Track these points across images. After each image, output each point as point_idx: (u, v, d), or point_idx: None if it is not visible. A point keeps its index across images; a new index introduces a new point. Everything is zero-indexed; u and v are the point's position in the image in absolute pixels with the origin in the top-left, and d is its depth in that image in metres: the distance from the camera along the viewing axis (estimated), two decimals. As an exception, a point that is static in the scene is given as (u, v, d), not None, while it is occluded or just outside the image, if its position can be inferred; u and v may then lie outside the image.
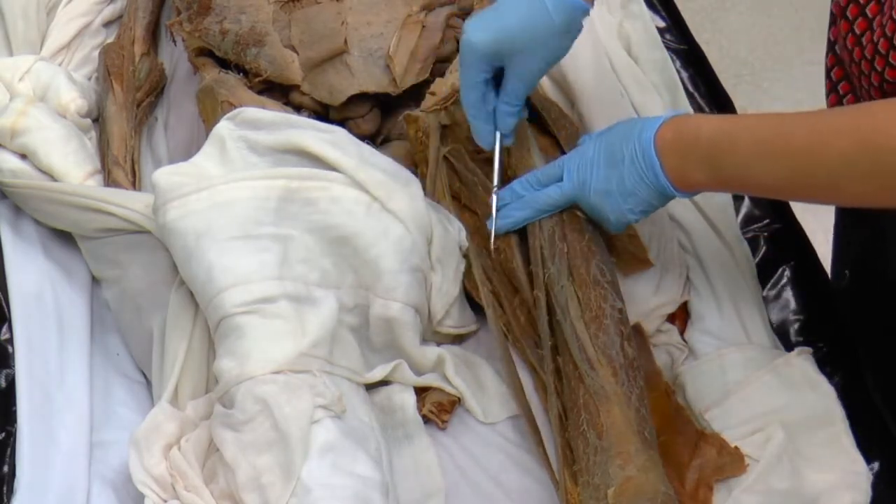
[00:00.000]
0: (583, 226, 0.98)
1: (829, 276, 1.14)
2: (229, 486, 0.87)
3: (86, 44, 1.28)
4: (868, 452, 0.93)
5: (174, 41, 1.24)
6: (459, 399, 1.00)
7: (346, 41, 1.12)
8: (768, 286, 1.07)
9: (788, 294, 1.07)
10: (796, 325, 1.05)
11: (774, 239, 1.10)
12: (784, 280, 1.07)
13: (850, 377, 1.00)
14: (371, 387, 0.98)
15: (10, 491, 0.91)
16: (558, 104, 1.19)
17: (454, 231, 1.02)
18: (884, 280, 1.07)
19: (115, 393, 1.01)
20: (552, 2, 0.90)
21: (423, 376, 1.00)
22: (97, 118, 1.21)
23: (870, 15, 0.90)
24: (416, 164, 1.09)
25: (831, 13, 0.97)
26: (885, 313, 1.06)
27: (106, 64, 1.22)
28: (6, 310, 1.03)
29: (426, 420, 0.98)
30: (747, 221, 1.11)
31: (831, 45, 0.98)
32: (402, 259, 0.96)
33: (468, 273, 1.03)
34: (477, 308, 1.04)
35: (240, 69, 1.16)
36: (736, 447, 0.93)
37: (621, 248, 1.05)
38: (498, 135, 0.99)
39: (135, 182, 1.15)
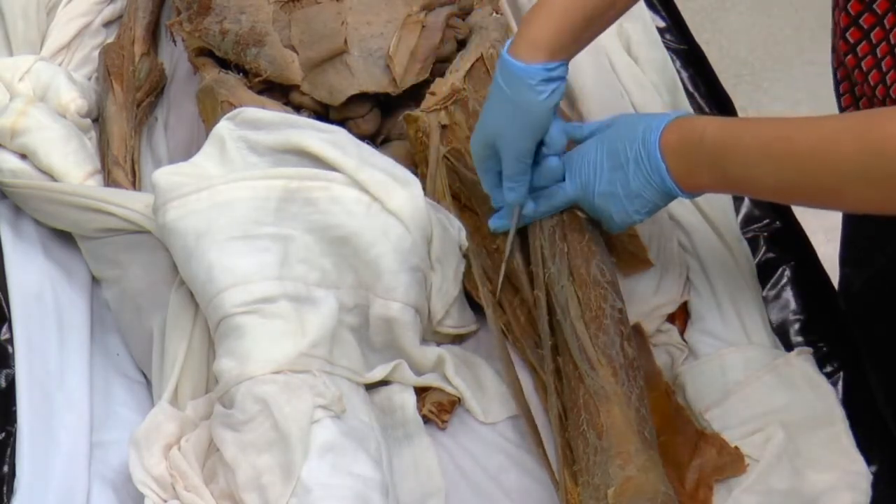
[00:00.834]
0: (583, 226, 0.98)
1: (838, 282, 1.14)
2: (229, 486, 0.87)
3: (86, 44, 1.28)
4: (868, 453, 0.93)
5: (174, 41, 1.24)
6: (459, 399, 1.00)
7: (346, 41, 1.12)
8: (768, 286, 1.07)
9: (788, 294, 1.07)
10: (796, 325, 1.04)
11: (774, 239, 1.10)
12: (784, 280, 1.07)
13: (850, 377, 1.00)
14: (371, 387, 0.98)
15: (10, 491, 0.91)
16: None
17: (454, 231, 1.02)
18: (889, 279, 1.07)
19: (115, 393, 1.01)
20: (512, 99, 0.93)
21: (423, 376, 1.00)
22: (97, 118, 1.21)
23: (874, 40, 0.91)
24: (416, 164, 1.09)
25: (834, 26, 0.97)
26: (891, 312, 1.06)
27: (106, 64, 1.22)
28: (6, 310, 1.03)
29: (426, 420, 0.98)
30: (747, 221, 1.11)
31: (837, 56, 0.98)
32: (402, 259, 0.96)
33: (468, 273, 1.03)
34: (477, 308, 1.04)
35: (240, 69, 1.16)
36: (736, 447, 0.93)
37: (621, 248, 1.05)
38: (515, 210, 0.99)
39: (135, 182, 1.15)
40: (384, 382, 0.99)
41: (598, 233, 0.99)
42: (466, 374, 1.00)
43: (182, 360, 0.95)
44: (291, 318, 0.92)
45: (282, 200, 0.96)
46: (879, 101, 0.92)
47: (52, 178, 1.11)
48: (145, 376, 1.03)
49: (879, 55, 0.91)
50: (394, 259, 0.96)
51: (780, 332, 1.04)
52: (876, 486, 0.91)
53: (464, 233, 1.03)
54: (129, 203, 1.03)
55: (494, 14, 1.21)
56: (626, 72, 1.21)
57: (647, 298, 1.05)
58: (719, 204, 1.10)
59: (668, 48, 1.25)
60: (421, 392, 1.00)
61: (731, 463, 0.92)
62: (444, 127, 1.07)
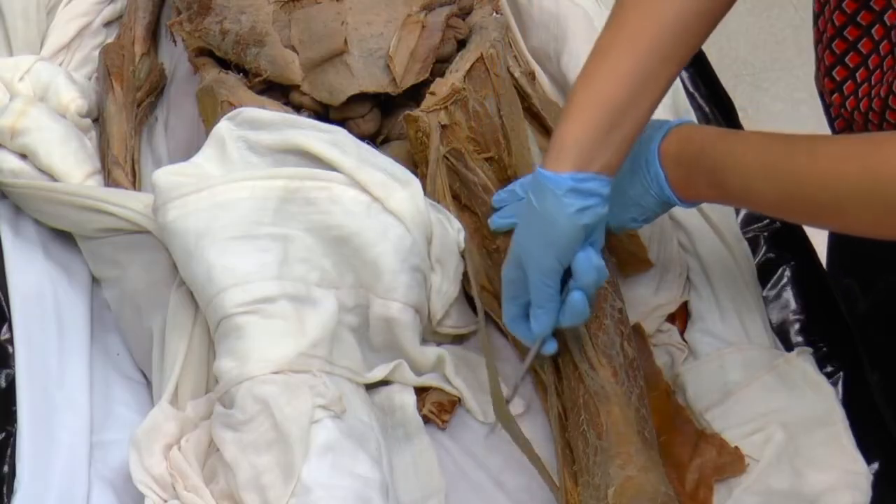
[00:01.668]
0: (583, 226, 0.98)
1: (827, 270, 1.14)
2: (229, 486, 0.87)
3: (86, 44, 1.28)
4: (868, 452, 0.93)
5: (174, 41, 1.24)
6: (459, 399, 1.00)
7: (346, 41, 1.12)
8: (768, 286, 1.07)
9: (788, 294, 1.07)
10: (796, 325, 1.04)
11: (774, 239, 1.10)
12: (784, 280, 1.07)
13: (850, 377, 1.00)
14: (371, 387, 0.98)
15: (10, 491, 0.91)
16: (558, 104, 1.19)
17: (454, 231, 1.02)
18: (888, 279, 1.07)
19: (115, 393, 1.01)
20: (539, 211, 0.86)
21: (423, 376, 1.00)
22: (97, 118, 1.21)
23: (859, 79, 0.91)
24: (416, 164, 1.09)
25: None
26: (891, 313, 1.06)
27: (106, 64, 1.22)
28: (6, 310, 1.03)
29: (426, 420, 0.98)
30: (747, 221, 1.11)
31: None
32: (402, 259, 0.96)
33: (467, 273, 1.03)
34: (477, 308, 1.04)
35: (240, 69, 1.16)
36: (736, 447, 0.93)
37: (621, 249, 1.05)
38: (535, 344, 0.93)
39: (135, 182, 1.15)
40: (384, 382, 0.99)
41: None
42: (466, 374, 1.00)
43: (182, 360, 0.95)
44: (291, 318, 0.92)
45: (282, 200, 0.96)
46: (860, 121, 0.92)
47: (52, 178, 1.11)
48: (145, 376, 1.03)
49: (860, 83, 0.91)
50: (394, 259, 0.96)
51: (780, 332, 1.04)
52: (876, 486, 0.91)
53: (463, 233, 1.03)
54: (129, 203, 1.02)
55: (494, 14, 1.21)
56: (626, 72, 1.21)
57: (647, 298, 1.05)
58: (720, 205, 1.10)
59: (668, 48, 1.25)
60: (421, 392, 1.00)
61: (731, 463, 0.92)
62: (444, 127, 1.07)
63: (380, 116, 1.15)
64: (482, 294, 1.02)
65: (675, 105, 1.19)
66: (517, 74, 1.14)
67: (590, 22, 1.22)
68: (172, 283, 0.98)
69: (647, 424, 0.89)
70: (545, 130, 1.14)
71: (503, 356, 1.02)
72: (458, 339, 1.05)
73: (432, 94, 1.08)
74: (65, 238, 1.10)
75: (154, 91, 1.25)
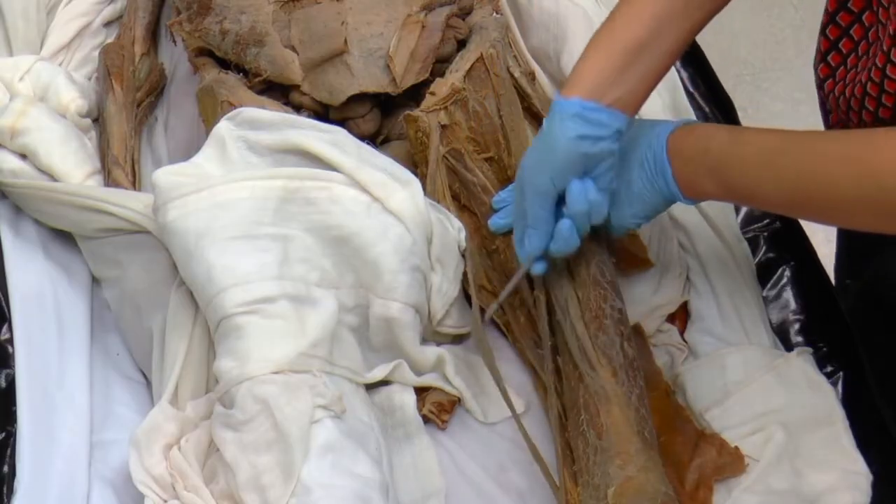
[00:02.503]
0: (583, 226, 0.98)
1: (834, 280, 1.14)
2: (229, 486, 0.87)
3: (86, 44, 1.28)
4: (868, 453, 0.93)
5: (174, 41, 1.24)
6: (459, 399, 1.00)
7: (346, 41, 1.12)
8: (768, 286, 1.07)
9: (788, 294, 1.07)
10: (796, 325, 1.04)
11: (774, 239, 1.10)
12: (784, 280, 1.07)
13: (850, 377, 1.00)
14: (371, 387, 0.98)
15: (10, 491, 0.91)
16: (558, 104, 1.19)
17: (454, 231, 1.02)
18: (887, 282, 1.07)
19: (115, 393, 1.01)
20: (544, 131, 0.88)
21: (423, 376, 1.00)
22: (97, 118, 1.21)
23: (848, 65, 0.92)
24: (416, 164, 1.09)
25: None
26: (889, 315, 1.06)
27: (106, 64, 1.22)
28: (6, 310, 1.03)
29: (426, 420, 0.98)
30: (747, 221, 1.11)
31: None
32: (402, 259, 0.96)
33: (467, 273, 1.03)
34: (477, 308, 1.04)
35: (240, 69, 1.16)
36: (736, 447, 0.93)
37: (621, 248, 1.05)
38: (522, 265, 0.95)
39: (135, 182, 1.15)
40: (384, 382, 0.99)
41: (598, 233, 0.99)
42: (466, 374, 1.00)
43: (182, 360, 0.95)
44: (291, 318, 0.92)
45: (282, 200, 0.96)
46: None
47: (53, 178, 1.11)
48: (145, 376, 1.03)
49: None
50: (394, 259, 0.96)
51: (780, 332, 1.04)
52: (876, 486, 0.91)
53: (464, 233, 1.03)
54: (129, 203, 1.02)
55: (494, 14, 1.21)
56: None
57: (647, 298, 1.05)
58: (719, 204, 1.10)
59: (668, 48, 1.25)
60: (421, 392, 1.00)
61: (731, 463, 0.92)
62: (444, 127, 1.07)
63: (380, 116, 1.15)
64: (482, 294, 1.02)
65: (675, 105, 1.19)
66: (517, 74, 1.14)
67: (590, 22, 1.22)
68: (172, 283, 0.98)
69: (647, 424, 0.89)
70: (545, 130, 1.14)
71: (504, 356, 1.02)
72: (458, 339, 1.05)
73: (432, 94, 1.08)
74: (65, 238, 1.10)
75: (154, 91, 1.25)
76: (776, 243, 1.10)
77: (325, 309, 0.94)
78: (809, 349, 1.00)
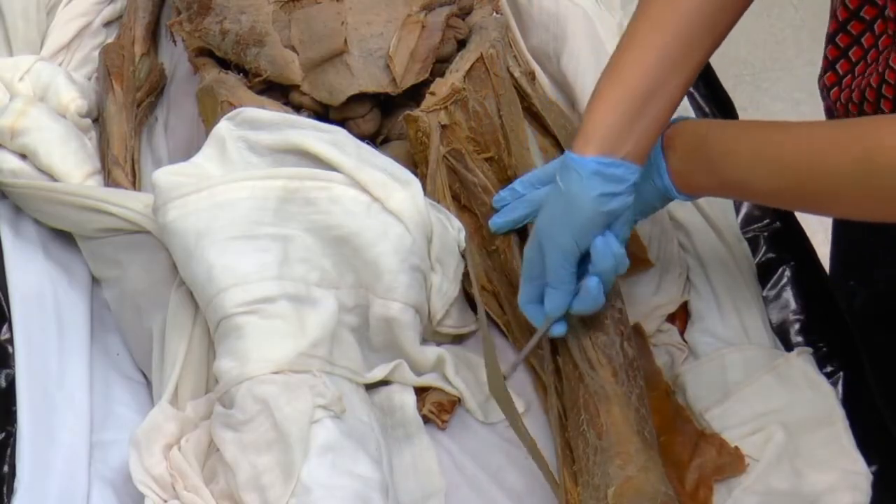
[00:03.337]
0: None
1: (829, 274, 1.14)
2: (229, 486, 0.87)
3: (86, 44, 1.28)
4: (868, 453, 0.93)
5: (174, 41, 1.24)
6: (459, 399, 1.00)
7: (346, 41, 1.12)
8: (768, 286, 1.07)
9: (788, 294, 1.07)
10: (796, 325, 1.04)
11: (774, 239, 1.10)
12: (784, 280, 1.07)
13: (850, 377, 1.00)
14: (371, 387, 0.98)
15: (10, 491, 0.91)
16: (558, 104, 1.19)
17: (454, 231, 1.02)
18: (886, 282, 1.07)
19: (115, 393, 1.01)
20: (563, 192, 0.86)
21: (423, 376, 1.00)
22: (97, 118, 1.21)
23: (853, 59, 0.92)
24: (416, 164, 1.09)
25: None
26: (889, 316, 1.06)
27: (106, 64, 1.22)
28: (6, 310, 1.03)
29: (426, 420, 0.98)
30: (747, 221, 1.11)
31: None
32: (402, 259, 0.96)
33: (467, 273, 1.03)
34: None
35: (240, 69, 1.16)
36: (736, 447, 0.93)
37: (621, 248, 1.05)
38: (545, 322, 0.93)
39: (135, 182, 1.15)
40: (384, 382, 0.99)
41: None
42: (466, 375, 1.00)
43: (182, 360, 0.95)
44: (291, 319, 0.92)
45: (281, 200, 0.96)
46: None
47: (52, 178, 1.11)
48: (145, 376, 1.03)
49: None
50: (394, 259, 0.96)
51: (780, 332, 1.04)
52: (876, 486, 0.91)
53: (464, 233, 1.03)
54: (129, 203, 1.02)
55: (494, 14, 1.21)
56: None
57: (647, 298, 1.05)
58: (719, 204, 1.10)
59: (668, 48, 1.25)
60: (421, 392, 1.00)
61: (731, 463, 0.92)
62: (444, 127, 1.07)
63: (380, 116, 1.15)
64: (482, 294, 1.02)
65: (675, 105, 1.19)
66: (517, 74, 1.14)
67: (589, 22, 1.22)
68: (172, 283, 0.98)
69: (647, 424, 0.89)
70: (545, 130, 1.14)
71: (504, 357, 1.02)
72: (458, 339, 1.05)
73: (432, 94, 1.08)
74: (65, 238, 1.10)
75: (154, 91, 1.25)
76: (776, 243, 1.10)
77: (325, 309, 0.94)
78: (809, 349, 1.00)
